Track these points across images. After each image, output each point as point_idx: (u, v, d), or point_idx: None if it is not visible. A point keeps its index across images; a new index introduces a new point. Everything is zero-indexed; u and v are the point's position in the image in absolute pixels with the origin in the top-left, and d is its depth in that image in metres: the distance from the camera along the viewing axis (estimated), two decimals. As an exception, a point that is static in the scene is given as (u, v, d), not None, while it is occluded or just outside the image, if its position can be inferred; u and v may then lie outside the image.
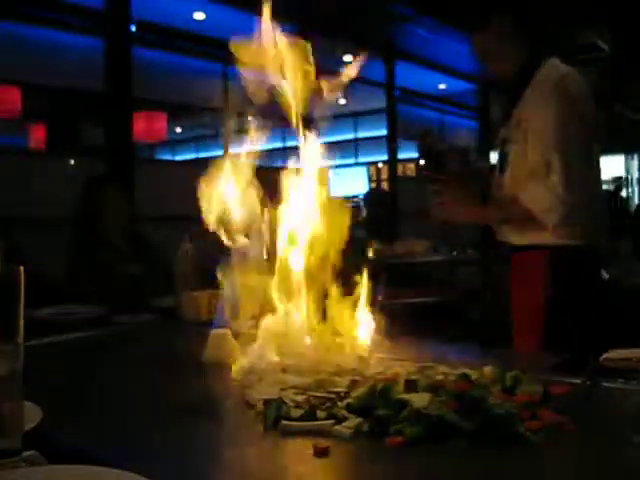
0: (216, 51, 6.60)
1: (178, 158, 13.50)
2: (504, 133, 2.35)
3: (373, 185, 11.85)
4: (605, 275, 2.38)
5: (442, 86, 9.77)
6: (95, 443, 1.05)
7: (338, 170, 12.80)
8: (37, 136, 7.94)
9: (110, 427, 1.15)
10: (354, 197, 11.89)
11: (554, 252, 2.18)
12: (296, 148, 1.72)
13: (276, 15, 6.30)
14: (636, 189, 12.38)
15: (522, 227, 2.26)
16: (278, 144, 10.89)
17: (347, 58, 8.15)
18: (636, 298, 3.64)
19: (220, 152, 7.62)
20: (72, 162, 5.55)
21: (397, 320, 1.93)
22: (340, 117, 11.91)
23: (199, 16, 6.38)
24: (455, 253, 5.48)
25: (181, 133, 12.60)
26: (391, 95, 8.99)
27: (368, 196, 7.68)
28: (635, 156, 12.64)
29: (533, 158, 2.17)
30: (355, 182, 12.23)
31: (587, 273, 2.27)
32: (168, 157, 13.39)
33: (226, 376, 1.42)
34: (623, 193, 11.46)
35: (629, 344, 1.59)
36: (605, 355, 1.56)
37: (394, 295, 3.98)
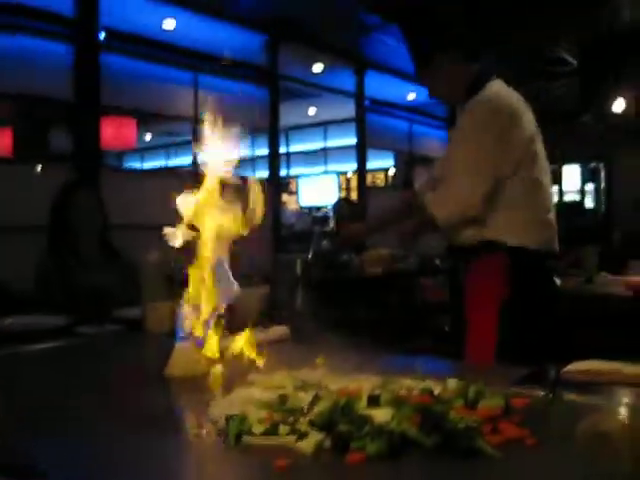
0: (186, 59, 6.59)
1: (147, 166, 13.42)
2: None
3: (343, 194, 11.88)
4: (557, 281, 2.47)
5: (411, 96, 9.83)
6: (49, 458, 1.03)
7: (307, 179, 12.85)
8: (4, 143, 7.83)
9: (65, 442, 1.13)
10: (323, 207, 11.92)
11: (511, 255, 2.24)
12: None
13: (248, 24, 6.32)
14: (602, 199, 12.58)
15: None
16: (247, 152, 10.82)
17: (317, 67, 8.19)
18: (596, 307, 3.70)
19: (189, 160, 7.56)
20: (39, 169, 5.49)
21: (363, 331, 1.94)
22: (310, 126, 11.96)
23: (169, 24, 6.35)
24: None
25: (151, 140, 12.52)
26: (361, 105, 9.04)
27: (337, 206, 7.67)
28: (601, 166, 12.84)
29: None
30: (325, 191, 12.26)
31: (542, 278, 2.35)
32: (137, 164, 13.32)
33: (189, 390, 1.41)
34: (589, 203, 11.61)
35: (582, 353, 1.61)
36: (567, 367, 1.58)
37: (359, 306, 3.99)
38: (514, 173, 2.29)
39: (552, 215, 2.38)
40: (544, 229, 2.34)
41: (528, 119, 2.38)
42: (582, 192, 13.07)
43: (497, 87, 2.40)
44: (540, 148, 2.40)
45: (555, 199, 12.34)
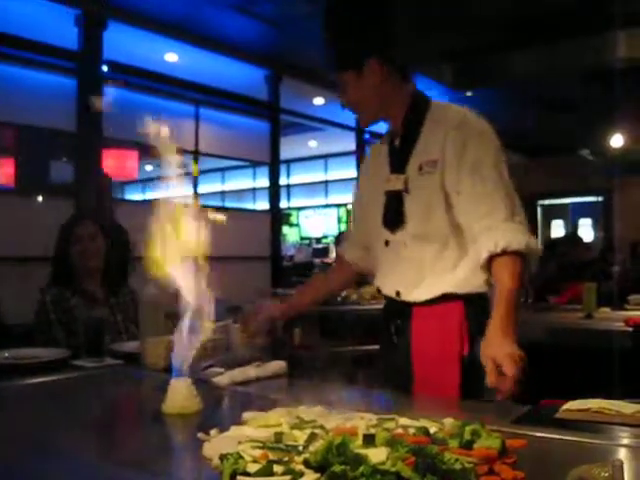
0: (188, 92, 6.67)
1: (148, 196, 13.49)
2: (394, 184, 2.07)
3: (343, 227, 11.91)
4: None
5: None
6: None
7: (308, 211, 12.90)
8: (6, 172, 7.88)
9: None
10: (323, 239, 11.94)
11: (467, 301, 1.99)
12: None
13: (250, 58, 6.41)
14: (601, 233, 12.65)
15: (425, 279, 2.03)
16: (249, 183, 10.83)
17: (318, 101, 8.27)
18: (596, 343, 3.68)
19: (190, 191, 7.58)
20: (41, 200, 5.52)
21: (359, 368, 1.93)
22: (311, 159, 12.04)
23: (171, 58, 6.43)
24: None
25: (152, 171, 12.58)
26: (361, 138, 9.13)
27: (339, 238, 7.70)
28: (600, 198, 12.94)
29: (493, 200, 1.91)
30: (325, 223, 12.30)
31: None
32: (138, 195, 13.40)
33: (184, 428, 1.40)
34: (587, 237, 11.62)
35: (582, 391, 1.60)
36: (566, 405, 1.57)
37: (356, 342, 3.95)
38: None
39: None
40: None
41: None
42: (579, 226, 13.17)
43: (455, 105, 2.10)
44: None
45: (561, 233, 12.40)
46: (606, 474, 0.81)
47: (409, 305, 2.03)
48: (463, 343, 1.97)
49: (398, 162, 2.09)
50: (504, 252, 1.81)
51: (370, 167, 2.31)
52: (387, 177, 2.10)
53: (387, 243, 2.11)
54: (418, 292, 2.02)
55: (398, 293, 2.07)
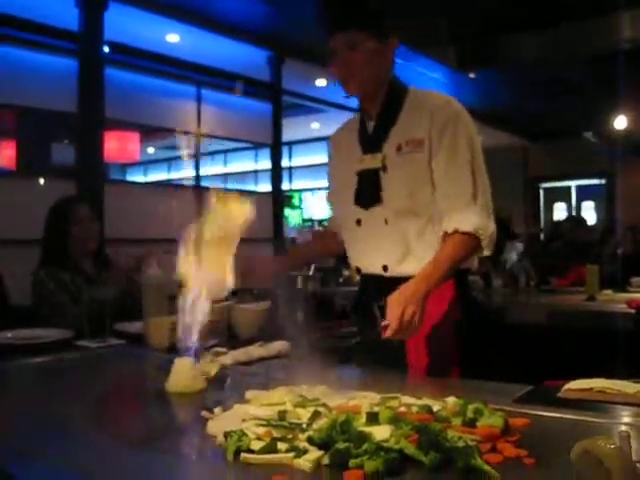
0: (190, 73, 6.64)
1: (150, 178, 13.47)
2: (369, 162, 2.11)
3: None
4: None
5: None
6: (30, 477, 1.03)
7: (311, 193, 12.90)
8: (7, 154, 7.86)
9: (59, 461, 1.12)
10: (326, 219, 11.89)
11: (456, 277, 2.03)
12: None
13: (252, 39, 6.32)
14: (604, 215, 12.63)
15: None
16: (251, 165, 10.74)
17: (320, 82, 8.23)
18: (599, 324, 3.70)
19: (192, 173, 7.55)
20: (42, 182, 5.51)
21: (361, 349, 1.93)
22: (313, 141, 12.00)
23: (172, 38, 6.39)
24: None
25: (154, 153, 12.56)
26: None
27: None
28: (603, 181, 12.91)
29: (459, 183, 1.99)
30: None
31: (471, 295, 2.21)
32: (140, 177, 13.37)
33: (188, 406, 1.40)
34: (590, 220, 11.60)
35: (584, 371, 1.61)
36: (569, 385, 1.58)
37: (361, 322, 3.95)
38: None
39: None
40: None
41: None
42: (582, 209, 13.15)
43: (429, 90, 2.16)
44: None
45: (563, 216, 12.42)
46: (612, 446, 0.81)
47: (397, 281, 2.02)
48: (457, 312, 2.01)
49: (372, 143, 2.14)
50: (455, 232, 1.92)
51: (337, 155, 2.37)
52: (360, 158, 2.15)
53: (359, 222, 2.14)
54: (405, 266, 2.05)
55: (385, 268, 2.09)
